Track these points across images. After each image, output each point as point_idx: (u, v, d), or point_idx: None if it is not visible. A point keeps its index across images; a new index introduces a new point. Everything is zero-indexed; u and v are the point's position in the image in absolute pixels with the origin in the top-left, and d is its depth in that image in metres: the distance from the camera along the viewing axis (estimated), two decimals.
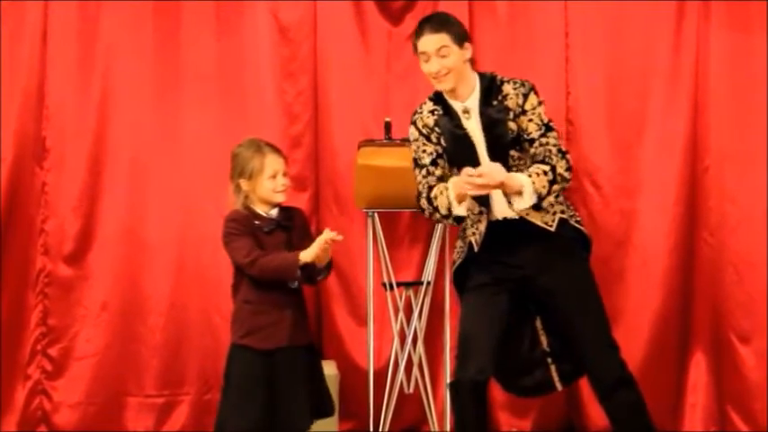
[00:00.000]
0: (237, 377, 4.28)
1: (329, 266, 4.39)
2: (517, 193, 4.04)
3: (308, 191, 5.66)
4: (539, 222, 4.17)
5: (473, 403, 4.19)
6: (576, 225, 4.28)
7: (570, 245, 4.26)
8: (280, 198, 4.34)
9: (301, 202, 5.53)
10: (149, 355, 5.61)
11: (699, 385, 5.68)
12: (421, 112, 4.26)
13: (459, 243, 4.32)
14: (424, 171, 4.21)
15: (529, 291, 4.24)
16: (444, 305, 5.47)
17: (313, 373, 4.38)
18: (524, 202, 4.05)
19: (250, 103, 5.65)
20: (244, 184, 4.33)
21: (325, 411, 4.40)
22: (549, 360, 4.33)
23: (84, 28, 5.60)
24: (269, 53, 5.65)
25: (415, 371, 5.45)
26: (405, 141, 5.34)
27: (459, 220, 4.16)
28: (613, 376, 4.23)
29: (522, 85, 4.20)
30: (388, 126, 5.40)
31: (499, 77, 4.23)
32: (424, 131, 4.22)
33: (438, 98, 4.25)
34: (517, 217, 4.17)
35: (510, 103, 4.16)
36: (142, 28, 5.62)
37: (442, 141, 4.20)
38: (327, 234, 4.23)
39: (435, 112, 4.22)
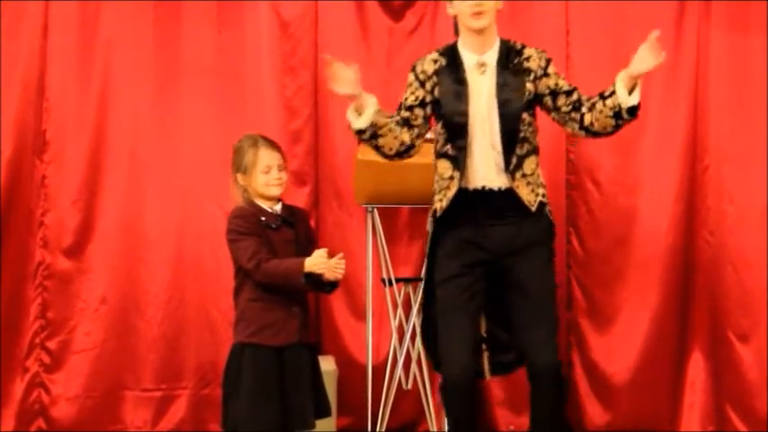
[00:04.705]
0: (250, 376, 4.21)
1: (335, 284, 4.35)
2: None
3: (307, 186, 5.66)
4: (524, 197, 4.17)
5: (463, 402, 4.20)
6: (549, 215, 4.28)
7: (542, 231, 4.25)
8: (274, 192, 4.32)
9: (301, 197, 5.54)
10: (147, 348, 5.60)
11: (697, 384, 5.69)
12: (422, 60, 4.26)
13: (429, 212, 4.31)
14: (397, 110, 4.23)
15: (491, 270, 4.22)
16: None
17: (314, 372, 4.38)
18: (633, 98, 4.03)
19: (250, 97, 5.65)
20: (240, 178, 4.33)
21: (323, 412, 4.40)
22: (484, 346, 4.33)
23: (85, 20, 5.60)
24: (270, 48, 5.66)
25: (414, 367, 5.45)
26: None
27: (360, 132, 4.14)
28: (545, 367, 4.21)
29: (543, 51, 4.26)
30: None
31: (518, 42, 4.27)
32: (421, 77, 4.23)
33: (445, 52, 4.25)
34: (499, 188, 4.16)
35: (532, 64, 4.19)
36: (143, 21, 5.62)
37: (436, 92, 4.19)
38: (324, 253, 4.22)
39: (438, 62, 4.23)
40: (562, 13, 5.72)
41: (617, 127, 4.13)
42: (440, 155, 4.24)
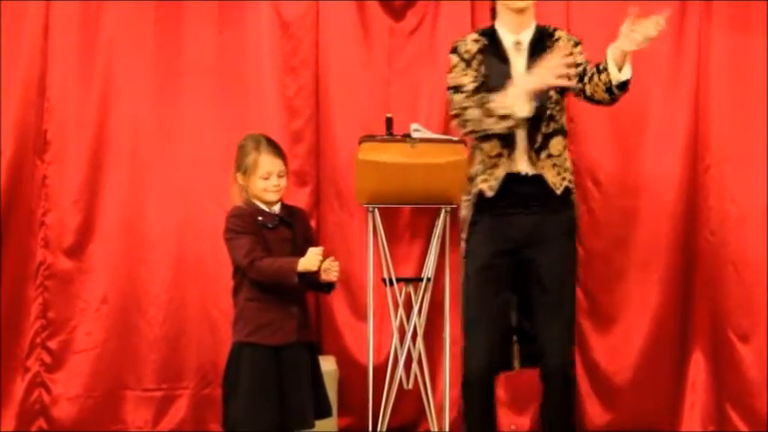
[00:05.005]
0: (248, 376, 4.22)
1: (331, 285, 4.37)
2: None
3: (308, 186, 5.65)
4: (549, 179, 4.19)
5: (483, 399, 4.23)
6: (574, 204, 4.31)
7: (566, 224, 4.27)
8: (270, 198, 4.33)
9: (302, 197, 5.54)
10: (148, 348, 5.60)
11: (698, 384, 5.69)
12: (464, 40, 4.32)
13: (463, 197, 4.34)
14: (464, 95, 4.19)
15: (516, 260, 4.25)
16: (444, 301, 5.47)
17: (314, 372, 4.38)
18: (624, 74, 4.09)
19: (251, 97, 5.65)
20: (239, 178, 4.35)
21: (323, 412, 4.40)
22: (514, 338, 4.35)
23: (86, 20, 5.59)
24: (271, 48, 5.65)
25: (415, 367, 5.45)
26: (405, 137, 5.35)
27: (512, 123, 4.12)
28: (555, 367, 4.26)
29: (573, 37, 4.36)
30: (389, 121, 5.40)
31: (552, 26, 4.37)
32: (466, 56, 4.27)
33: (484, 33, 4.32)
34: (526, 173, 4.19)
35: (560, 43, 4.27)
36: (144, 21, 5.61)
37: (483, 69, 4.23)
38: (318, 252, 4.22)
39: (479, 42, 4.29)
40: (563, 13, 5.72)
41: (613, 100, 4.19)
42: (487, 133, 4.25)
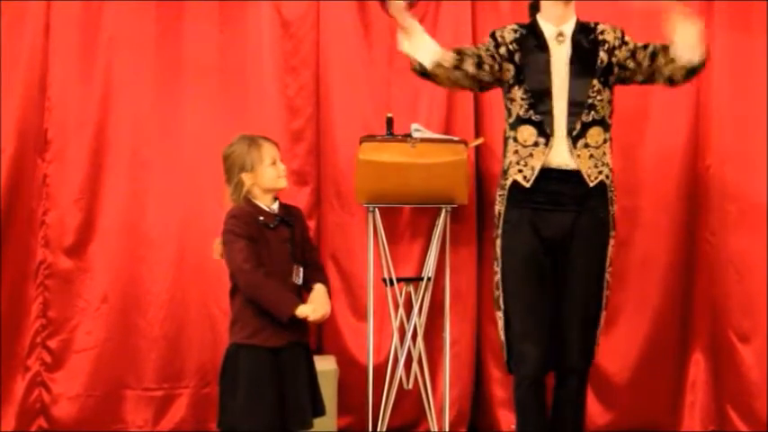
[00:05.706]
0: (247, 377, 4.23)
1: None
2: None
3: (309, 185, 5.66)
4: (583, 170, 4.23)
5: (535, 400, 4.25)
6: (611, 204, 4.34)
7: (600, 227, 4.31)
8: (283, 183, 4.36)
9: (302, 196, 5.54)
10: (149, 348, 5.60)
11: (698, 384, 5.69)
12: (503, 28, 4.44)
13: (498, 192, 4.38)
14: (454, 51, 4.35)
15: (553, 255, 4.29)
16: (444, 301, 5.48)
17: (310, 372, 4.39)
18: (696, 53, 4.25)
19: (252, 97, 5.65)
20: (246, 177, 4.32)
21: (317, 412, 4.41)
22: None
23: (87, 20, 5.59)
24: (271, 47, 5.65)
25: (415, 366, 5.45)
26: (406, 137, 5.35)
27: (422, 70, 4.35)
28: (570, 369, 4.31)
29: (617, 27, 4.48)
30: (389, 121, 5.40)
31: (592, 22, 4.49)
32: (499, 40, 4.39)
33: (524, 25, 4.43)
34: (563, 166, 4.24)
35: (608, 36, 4.40)
36: (145, 20, 5.61)
37: (516, 59, 4.33)
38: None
39: (518, 32, 4.39)
40: None
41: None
42: (522, 120, 4.31)
